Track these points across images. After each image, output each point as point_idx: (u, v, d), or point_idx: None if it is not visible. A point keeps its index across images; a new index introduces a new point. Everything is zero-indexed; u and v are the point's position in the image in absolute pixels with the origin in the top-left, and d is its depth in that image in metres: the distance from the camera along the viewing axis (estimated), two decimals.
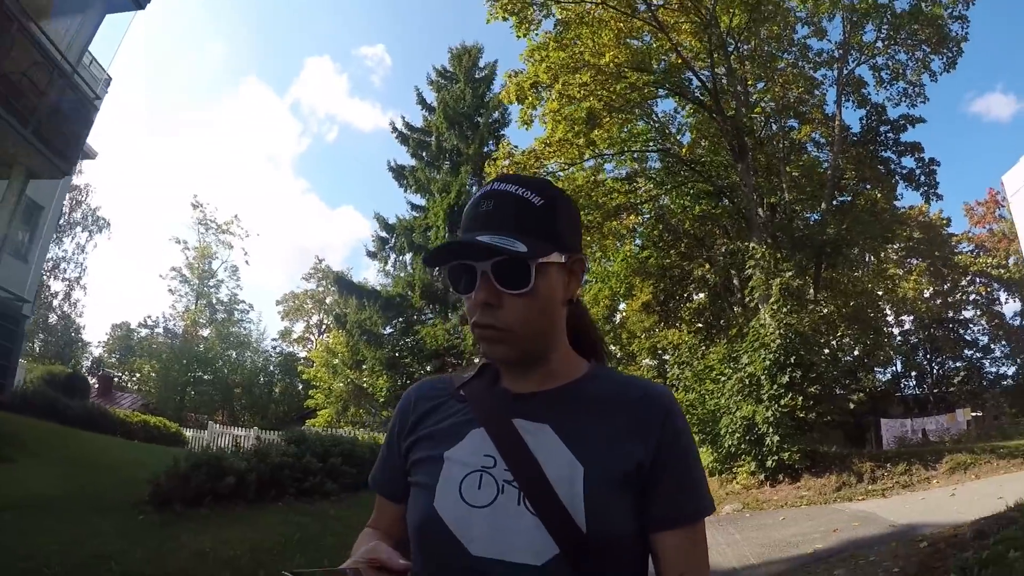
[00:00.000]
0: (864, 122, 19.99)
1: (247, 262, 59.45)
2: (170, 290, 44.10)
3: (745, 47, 17.60)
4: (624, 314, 22.70)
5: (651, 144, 17.39)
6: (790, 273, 12.67)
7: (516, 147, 16.27)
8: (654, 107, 17.41)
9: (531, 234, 1.09)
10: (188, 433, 22.60)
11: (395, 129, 29.17)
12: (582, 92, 14.34)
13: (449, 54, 30.74)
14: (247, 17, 74.75)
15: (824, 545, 7.15)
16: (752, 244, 12.77)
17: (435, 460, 1.15)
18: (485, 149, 26.96)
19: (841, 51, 18.84)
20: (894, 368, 30.17)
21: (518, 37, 14.53)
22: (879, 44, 18.80)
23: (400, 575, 1.02)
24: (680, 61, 14.98)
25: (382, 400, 25.68)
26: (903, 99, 19.29)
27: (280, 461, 8.82)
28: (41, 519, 7.47)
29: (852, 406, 12.76)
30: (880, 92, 19.75)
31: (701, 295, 21.05)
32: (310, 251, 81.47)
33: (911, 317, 29.95)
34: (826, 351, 14.12)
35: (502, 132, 28.59)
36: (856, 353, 21.40)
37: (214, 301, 44.08)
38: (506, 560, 1.03)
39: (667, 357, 19.59)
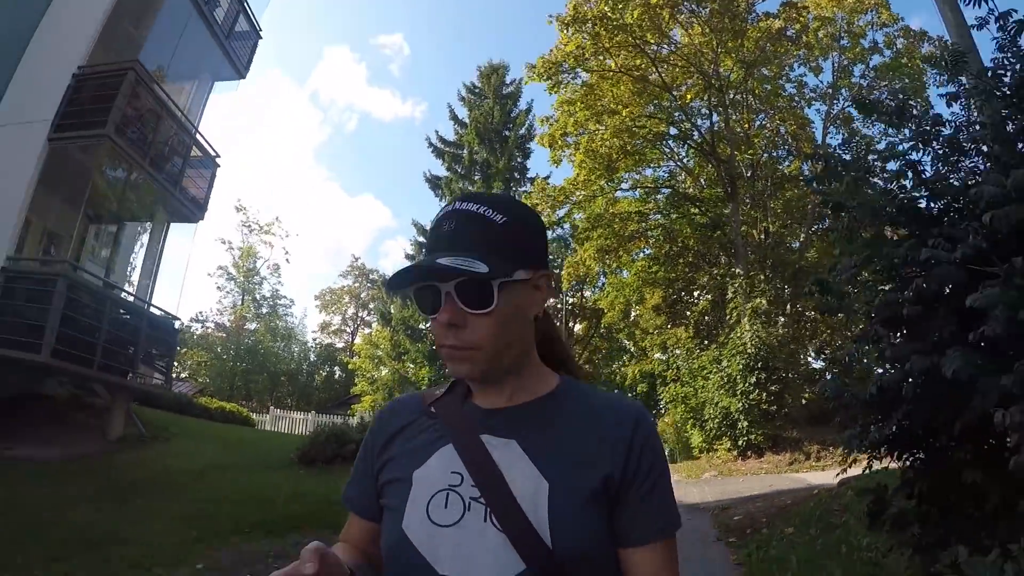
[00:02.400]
0: (853, 152, 22.11)
1: (287, 260, 62.37)
2: (218, 287, 46.96)
3: (743, 94, 19.96)
4: (638, 312, 24.32)
5: (659, 181, 20.54)
6: (759, 300, 15.92)
7: (549, 182, 19.54)
8: (663, 150, 20.38)
9: (493, 253, 1.08)
10: (255, 416, 25.90)
11: (431, 144, 30.77)
12: (603, 144, 17.54)
13: (478, 72, 32.06)
14: (272, 8, 77.87)
15: (758, 493, 10.56)
16: (737, 270, 15.85)
17: (404, 481, 1.14)
18: (513, 162, 29.16)
19: (831, 89, 20.94)
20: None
21: (549, 93, 18.07)
22: (864, 83, 20.75)
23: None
24: (684, 117, 18.29)
25: (424, 387, 27.77)
26: (883, 136, 21.34)
27: None
28: (230, 475, 10.82)
29: (804, 401, 15.65)
30: (867, 127, 21.79)
31: (704, 299, 22.99)
32: (333, 238, 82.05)
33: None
34: (789, 359, 16.90)
35: (528, 146, 30.07)
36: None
37: (258, 297, 46.65)
38: None
39: (678, 351, 21.08)
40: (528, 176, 29.84)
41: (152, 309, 13.60)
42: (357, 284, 50.35)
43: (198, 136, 14.06)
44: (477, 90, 31.90)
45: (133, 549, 6.41)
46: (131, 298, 13.25)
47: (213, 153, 14.67)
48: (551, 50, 17.83)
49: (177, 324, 14.92)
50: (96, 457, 11.00)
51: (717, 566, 6.25)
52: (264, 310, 46.61)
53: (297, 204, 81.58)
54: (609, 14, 16.54)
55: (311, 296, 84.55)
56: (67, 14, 12.03)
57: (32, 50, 11.88)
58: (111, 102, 11.10)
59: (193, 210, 14.20)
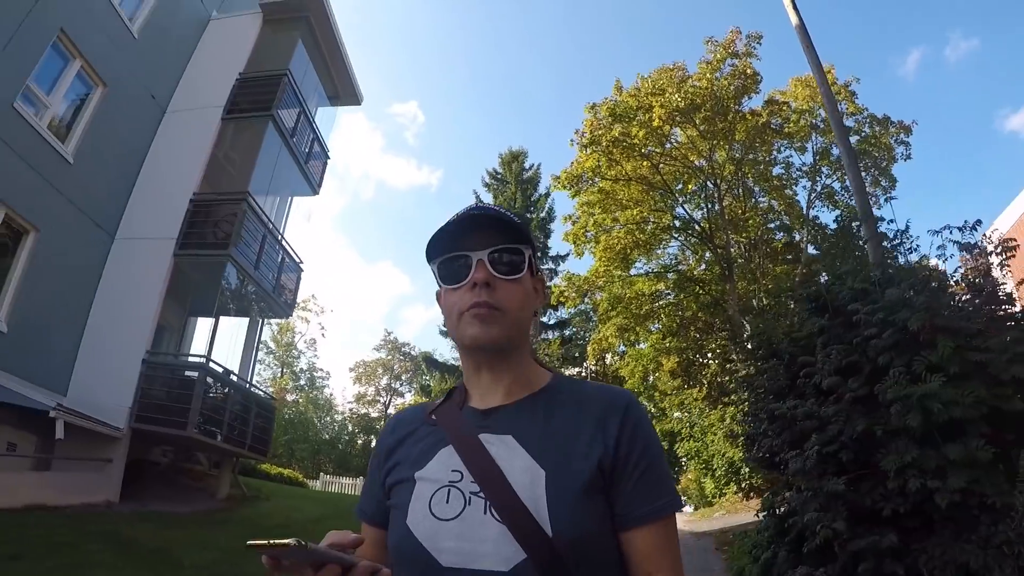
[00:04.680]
0: (839, 221, 24.63)
1: (323, 335, 65.03)
2: (258, 360, 48.91)
3: (737, 182, 23.03)
4: (656, 377, 26.07)
5: (667, 267, 23.54)
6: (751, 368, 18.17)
7: (575, 273, 22.98)
8: (668, 239, 23.53)
9: (518, 239, 1.26)
10: (308, 482, 28.26)
11: None
12: (618, 241, 20.77)
13: (499, 159, 35.03)
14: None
15: (751, 521, 12.96)
16: (735, 355, 18.50)
17: (408, 481, 1.21)
18: (536, 243, 31.06)
19: (814, 168, 23.33)
20: None
21: (571, 197, 21.42)
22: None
23: (353, 546, 1.05)
24: (685, 212, 21.64)
25: None
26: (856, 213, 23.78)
27: None
28: (337, 523, 13.16)
29: None
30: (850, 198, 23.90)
31: (714, 363, 24.46)
32: (352, 305, 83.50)
33: None
34: None
35: (550, 227, 33.22)
36: None
37: (296, 370, 49.71)
38: (475, 568, 1.06)
39: (696, 410, 23.19)
40: (549, 255, 32.58)
41: (256, 391, 16.06)
42: (390, 357, 52.81)
43: (287, 247, 16.31)
44: (499, 176, 34.69)
45: None
46: (245, 384, 15.15)
47: (298, 259, 16.85)
48: (572, 163, 21.26)
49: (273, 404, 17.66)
50: (218, 511, 12.87)
51: (712, 558, 8.94)
52: (302, 382, 49.42)
53: (320, 273, 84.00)
54: (619, 137, 19.79)
55: (331, 360, 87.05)
56: (178, 145, 13.94)
57: (146, 176, 13.73)
58: (231, 226, 13.29)
59: (284, 308, 16.67)
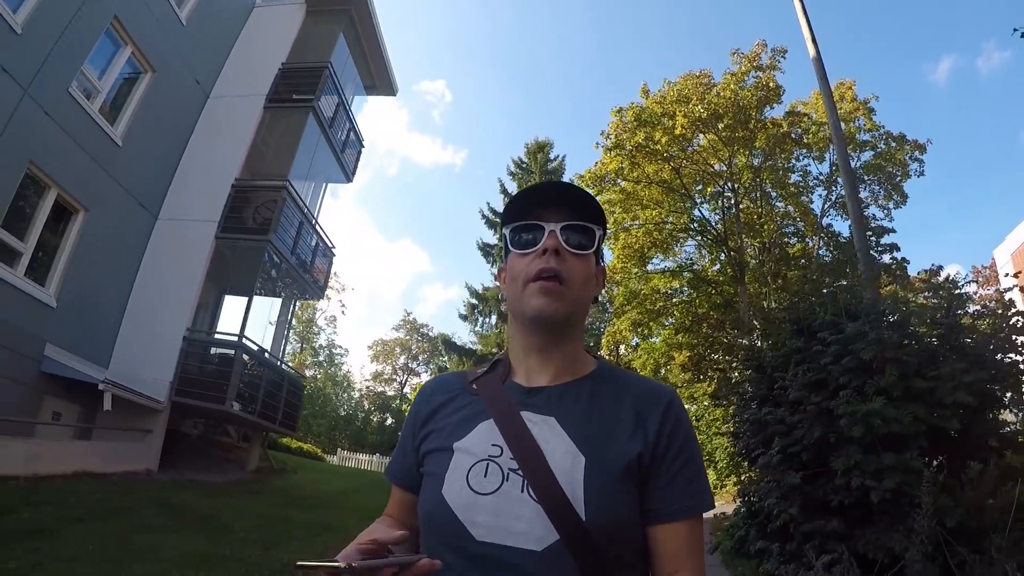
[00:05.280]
0: (852, 229, 25.05)
1: (343, 313, 66.09)
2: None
3: (755, 188, 23.71)
4: (667, 370, 26.13)
5: (682, 267, 24.27)
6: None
7: None
8: (684, 240, 24.30)
9: (591, 219, 1.27)
10: (325, 457, 29.06)
11: (483, 215, 33.57)
12: (636, 241, 21.51)
13: (525, 149, 34.87)
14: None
15: None
16: (743, 342, 19.06)
17: (445, 451, 1.21)
18: None
19: (830, 178, 23.92)
20: None
21: (595, 194, 21.70)
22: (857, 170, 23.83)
23: (398, 544, 1.04)
24: (702, 215, 22.45)
25: None
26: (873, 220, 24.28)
27: None
28: (366, 494, 14.11)
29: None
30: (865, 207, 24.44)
31: (723, 360, 24.89)
32: (371, 282, 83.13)
33: None
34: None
35: None
36: None
37: (315, 346, 50.39)
38: (508, 545, 1.06)
39: (705, 403, 23.94)
40: None
41: (288, 369, 16.78)
42: (408, 337, 53.49)
43: (321, 232, 16.92)
44: (524, 165, 34.56)
45: (353, 533, 9.51)
46: (277, 361, 15.79)
47: (330, 244, 17.52)
48: (596, 163, 22.20)
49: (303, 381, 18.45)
50: (251, 482, 13.46)
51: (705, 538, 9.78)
52: (320, 358, 50.15)
53: (341, 248, 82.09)
54: (642, 143, 20.48)
55: (349, 336, 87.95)
56: (221, 130, 14.47)
57: (189, 159, 14.25)
58: (271, 212, 13.89)
59: (316, 291, 17.39)
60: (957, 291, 6.82)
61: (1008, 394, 6.32)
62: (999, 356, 6.44)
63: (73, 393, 11.22)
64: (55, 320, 11.20)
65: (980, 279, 35.92)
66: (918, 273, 25.35)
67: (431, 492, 1.18)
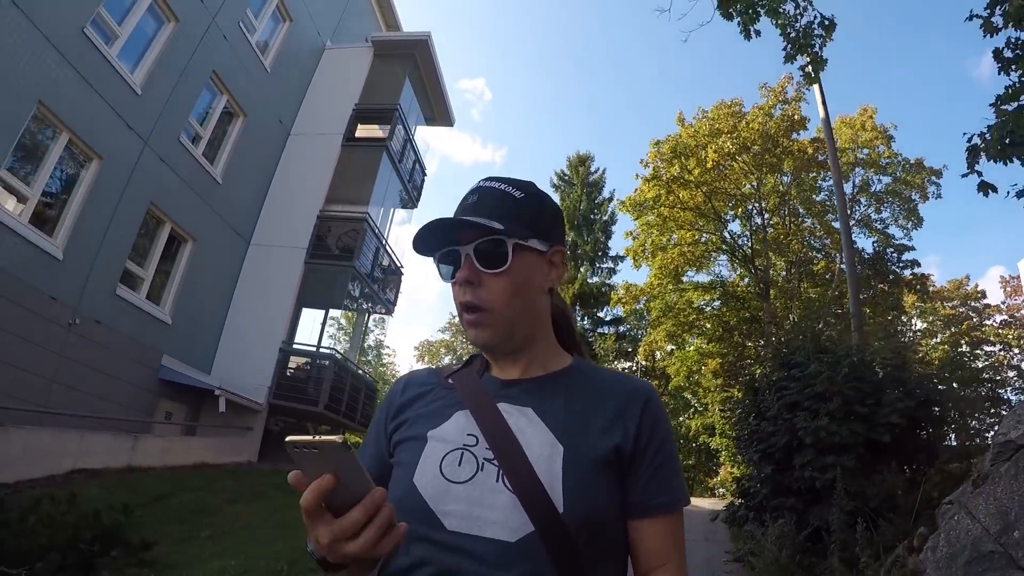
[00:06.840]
0: (875, 247, 25.72)
1: (391, 315, 66.56)
2: (330, 336, 51.65)
3: (782, 209, 25.54)
4: (700, 375, 27.38)
5: (713, 283, 26.27)
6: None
7: (633, 284, 26.55)
8: (715, 259, 26.52)
9: (509, 218, 1.17)
10: None
11: None
12: (671, 261, 24.01)
13: (567, 162, 36.22)
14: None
15: None
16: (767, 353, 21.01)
17: (419, 439, 1.17)
18: (598, 244, 33.50)
19: (854, 199, 25.37)
20: None
21: (633, 219, 24.67)
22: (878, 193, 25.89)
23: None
24: (730, 237, 24.91)
25: None
26: (891, 240, 25.54)
27: None
28: None
29: None
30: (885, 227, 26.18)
31: (753, 369, 25.55)
32: (411, 281, 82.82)
33: None
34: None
35: (612, 229, 34.58)
36: None
37: (365, 346, 52.14)
38: (480, 536, 1.03)
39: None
40: (610, 255, 34.28)
41: (364, 375, 18.92)
42: (453, 339, 55.01)
43: (392, 254, 18.32)
44: (566, 178, 36.05)
45: None
46: (356, 368, 17.48)
47: (399, 264, 18.95)
48: (636, 191, 24.51)
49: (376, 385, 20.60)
50: None
51: (718, 526, 11.85)
52: (369, 357, 51.90)
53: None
54: (677, 174, 22.82)
55: (392, 335, 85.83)
56: (302, 164, 15.86)
57: (275, 190, 15.75)
58: (353, 241, 15.63)
59: (388, 306, 19.08)
60: (903, 339, 9.04)
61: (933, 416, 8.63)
62: (935, 385, 8.91)
63: (182, 396, 13.05)
64: (169, 334, 12.93)
65: (1008, 288, 37.16)
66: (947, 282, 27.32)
67: (402, 480, 1.14)
